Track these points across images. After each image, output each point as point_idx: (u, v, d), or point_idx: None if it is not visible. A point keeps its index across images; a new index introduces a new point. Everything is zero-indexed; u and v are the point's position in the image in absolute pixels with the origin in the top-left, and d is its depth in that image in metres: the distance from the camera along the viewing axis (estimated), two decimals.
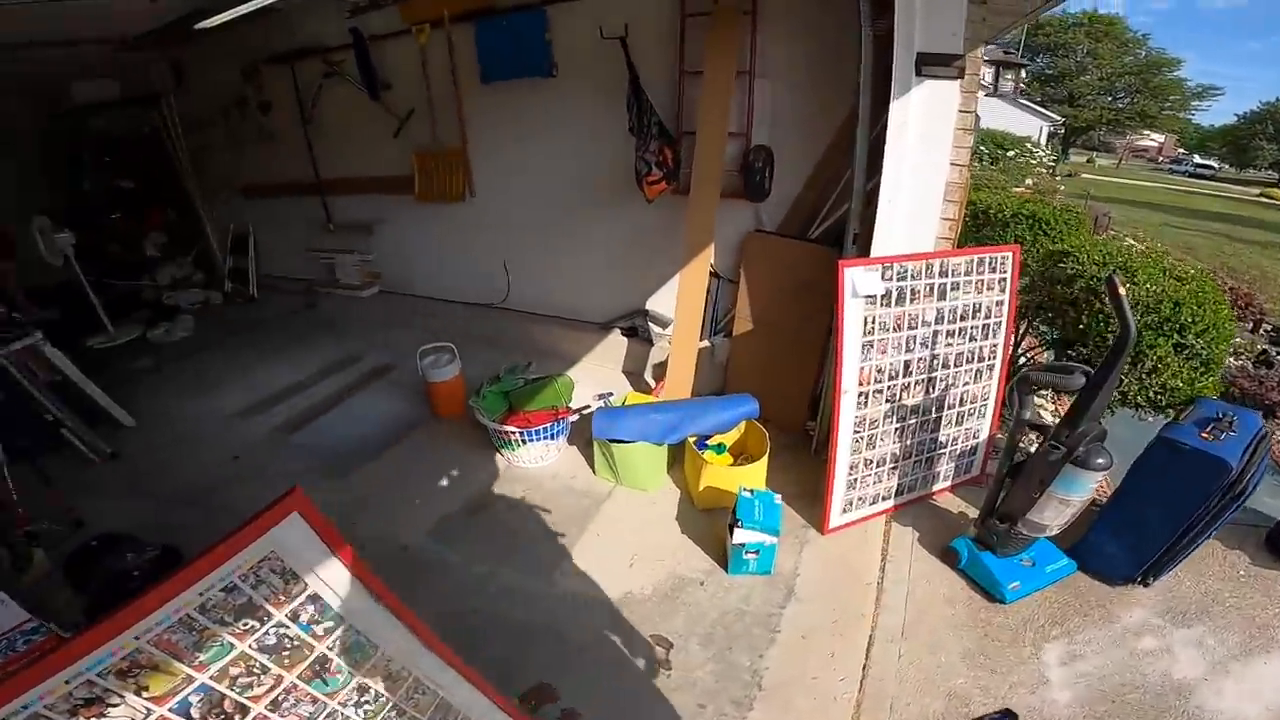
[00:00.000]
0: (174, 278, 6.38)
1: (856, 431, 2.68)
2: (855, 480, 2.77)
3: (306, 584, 1.31)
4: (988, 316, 2.82)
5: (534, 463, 3.33)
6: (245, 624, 1.20)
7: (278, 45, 4.74)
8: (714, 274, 3.61)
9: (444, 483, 3.25)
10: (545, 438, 3.25)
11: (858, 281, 2.45)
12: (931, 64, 2.47)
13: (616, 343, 4.22)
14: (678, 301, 3.50)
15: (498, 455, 3.38)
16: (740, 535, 2.52)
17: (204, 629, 1.13)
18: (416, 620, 1.53)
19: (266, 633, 1.26)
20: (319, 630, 1.36)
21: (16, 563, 2.53)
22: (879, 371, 2.64)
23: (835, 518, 2.80)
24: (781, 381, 3.48)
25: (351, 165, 5.00)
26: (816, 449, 3.28)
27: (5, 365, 3.36)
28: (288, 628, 1.30)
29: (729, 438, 3.29)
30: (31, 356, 3.60)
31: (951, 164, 2.66)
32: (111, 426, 3.85)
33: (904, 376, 2.70)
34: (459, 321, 4.82)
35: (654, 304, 4.09)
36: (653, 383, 4.08)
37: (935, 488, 3.03)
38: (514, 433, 3.16)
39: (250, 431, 3.81)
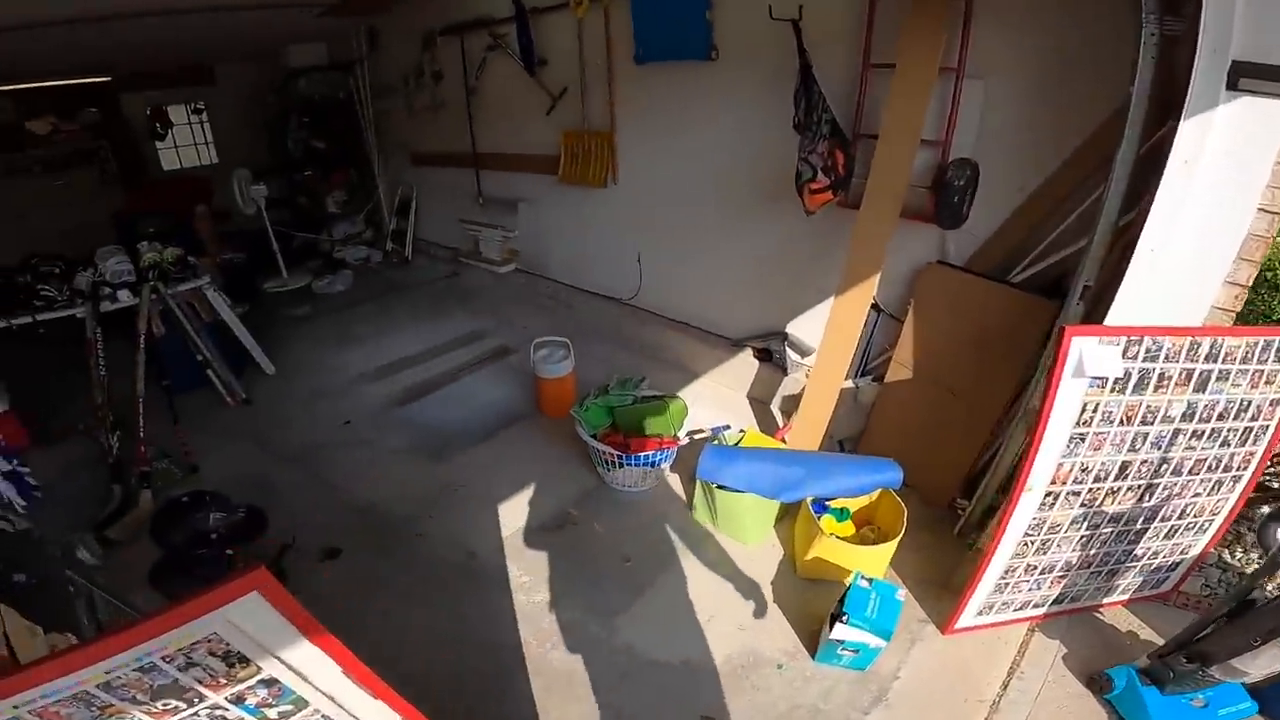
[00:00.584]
0: (346, 234, 6.86)
1: (1029, 535, 2.01)
2: (1007, 584, 2.11)
3: (260, 667, 1.04)
4: (1254, 418, 2.00)
5: (628, 487, 2.97)
6: (166, 704, 0.97)
7: (454, 16, 4.74)
8: (875, 306, 2.97)
9: (529, 490, 2.99)
10: (644, 465, 2.88)
11: (1088, 357, 1.75)
12: (1256, 76, 1.69)
13: (746, 364, 3.71)
14: (826, 331, 2.92)
15: (592, 471, 3.07)
16: (842, 631, 2.00)
17: (106, 705, 0.92)
18: (408, 706, 1.24)
19: (196, 714, 1.01)
20: (272, 715, 1.10)
21: (126, 502, 2.65)
22: (1083, 470, 1.94)
23: (966, 618, 2.18)
24: (935, 446, 2.79)
25: (504, 140, 4.91)
26: (962, 531, 2.61)
27: (172, 305, 3.63)
28: (226, 710, 1.04)
29: (856, 502, 2.71)
30: (197, 298, 3.88)
31: (1261, 210, 1.83)
32: (255, 372, 4.09)
33: (1116, 480, 1.98)
34: (585, 311, 4.59)
35: (796, 328, 3.52)
36: (780, 417, 3.54)
37: (1107, 600, 2.29)
38: (611, 454, 2.82)
39: (368, 397, 3.85)
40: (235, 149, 7.54)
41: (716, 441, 2.97)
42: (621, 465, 2.86)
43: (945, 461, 2.79)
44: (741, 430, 3.06)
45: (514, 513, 2.85)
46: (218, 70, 7.20)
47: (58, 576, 1.38)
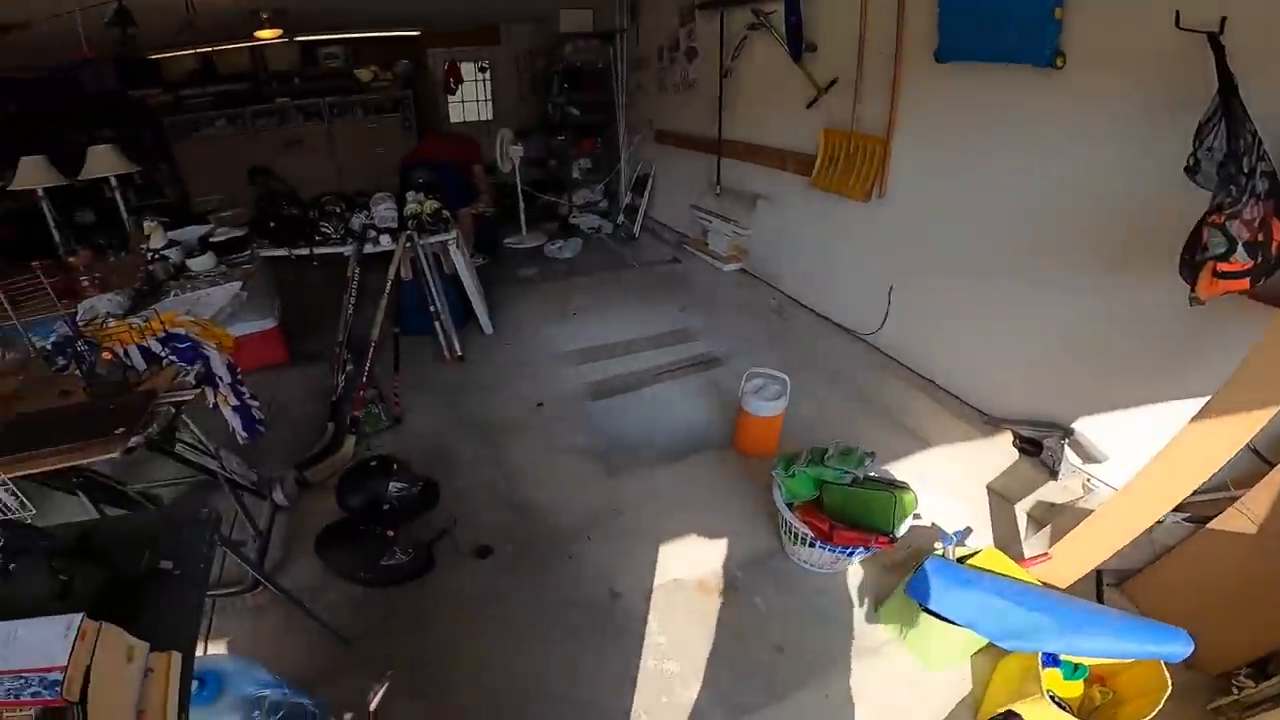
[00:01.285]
0: (585, 201, 7.03)
1: None
2: None
3: None
4: None
5: (811, 565, 2.48)
6: None
7: None
8: None
9: (698, 537, 2.63)
10: (842, 554, 2.35)
11: None
12: None
13: (1000, 451, 2.91)
14: (1164, 455, 2.04)
15: (774, 533, 2.62)
16: None
17: None
18: None
19: None
20: None
21: (333, 441, 2.82)
22: None
23: None
24: (1242, 605, 1.98)
25: (753, 130, 4.47)
26: (1222, 710, 1.86)
27: (420, 254, 3.87)
28: None
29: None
30: (443, 251, 4.12)
31: None
32: (474, 329, 4.27)
33: None
34: (809, 335, 4.03)
35: (1089, 428, 2.63)
36: (1023, 522, 2.74)
37: None
38: (804, 534, 2.34)
39: (565, 380, 3.79)
40: (506, 108, 8.13)
41: (941, 553, 2.32)
42: (812, 545, 2.37)
43: (1246, 623, 1.97)
44: (975, 550, 2.35)
45: (673, 558, 2.52)
46: (502, 30, 7.75)
47: (204, 557, 1.33)
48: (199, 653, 1.97)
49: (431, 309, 3.91)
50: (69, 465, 1.62)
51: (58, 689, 0.87)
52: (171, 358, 2.06)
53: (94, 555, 1.21)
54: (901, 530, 2.40)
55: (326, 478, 2.77)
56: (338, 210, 3.86)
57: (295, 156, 7.56)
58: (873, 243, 3.55)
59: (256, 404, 2.38)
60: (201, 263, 3.22)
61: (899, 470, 2.85)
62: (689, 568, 2.48)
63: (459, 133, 7.50)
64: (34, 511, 1.36)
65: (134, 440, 1.62)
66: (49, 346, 2.01)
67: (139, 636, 1.04)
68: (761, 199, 4.54)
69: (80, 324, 2.11)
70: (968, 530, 2.47)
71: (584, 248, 6.01)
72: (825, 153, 3.68)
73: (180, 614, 1.21)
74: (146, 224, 3.50)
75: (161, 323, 2.10)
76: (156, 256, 3.26)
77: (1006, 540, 2.66)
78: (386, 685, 1.85)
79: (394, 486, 2.49)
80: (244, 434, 2.35)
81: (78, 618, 0.94)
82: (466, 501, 2.75)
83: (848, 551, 2.33)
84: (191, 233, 3.67)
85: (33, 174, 3.56)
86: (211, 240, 3.51)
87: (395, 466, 2.55)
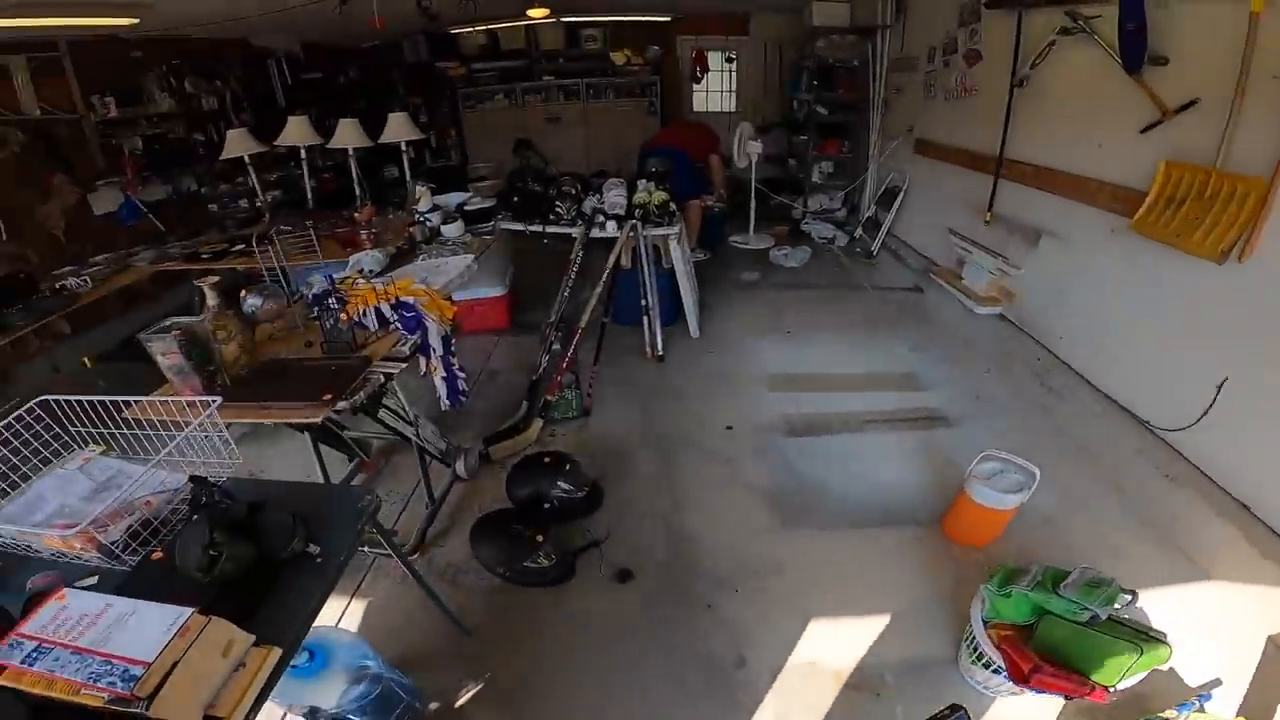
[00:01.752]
0: (821, 207, 6.52)
1: None
2: None
3: None
4: None
5: (986, 689, 1.92)
6: None
7: None
8: None
9: (853, 618, 2.20)
10: (1036, 693, 1.76)
11: None
12: None
13: None
14: None
15: (954, 643, 2.07)
16: None
17: None
18: None
19: None
20: None
21: (523, 420, 2.85)
22: None
23: None
24: None
25: (1051, 151, 3.61)
26: None
27: (642, 245, 3.80)
28: None
29: None
30: (664, 244, 4.01)
31: None
32: (680, 330, 4.12)
33: None
34: (1083, 417, 3.20)
35: None
36: None
37: None
38: (998, 667, 1.78)
39: (761, 405, 3.46)
40: (749, 100, 7.87)
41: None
42: (997, 672, 1.80)
43: None
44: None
45: (819, 637, 2.13)
46: (752, 20, 7.48)
47: (349, 547, 1.35)
48: (340, 611, 2.10)
49: (643, 302, 3.83)
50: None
51: (133, 684, 0.87)
52: (396, 324, 2.17)
53: (252, 530, 1.25)
54: (1127, 685, 1.73)
55: (507, 456, 2.82)
56: (573, 191, 3.93)
57: (554, 132, 8.15)
58: (1215, 317, 2.64)
59: (463, 375, 2.46)
60: (452, 230, 3.47)
61: (1160, 603, 2.12)
62: (832, 653, 2.08)
63: (700, 122, 7.43)
64: (240, 460, 1.44)
65: (339, 406, 1.69)
66: (309, 298, 2.22)
67: (255, 624, 1.06)
68: (1047, 235, 3.70)
69: (339, 280, 2.31)
70: (1215, 683, 1.72)
71: (812, 258, 5.54)
72: (1162, 191, 2.81)
73: (301, 605, 1.19)
74: (418, 187, 3.89)
75: (398, 289, 2.22)
76: (420, 218, 3.60)
77: (1264, 710, 1.83)
78: (480, 686, 1.81)
79: (561, 487, 2.44)
80: (447, 401, 2.45)
81: (186, 614, 0.98)
82: (625, 515, 2.62)
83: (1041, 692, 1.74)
84: (452, 199, 4.01)
85: (346, 134, 4.16)
86: (465, 208, 3.79)
87: (567, 466, 2.50)
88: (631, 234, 3.72)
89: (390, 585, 2.30)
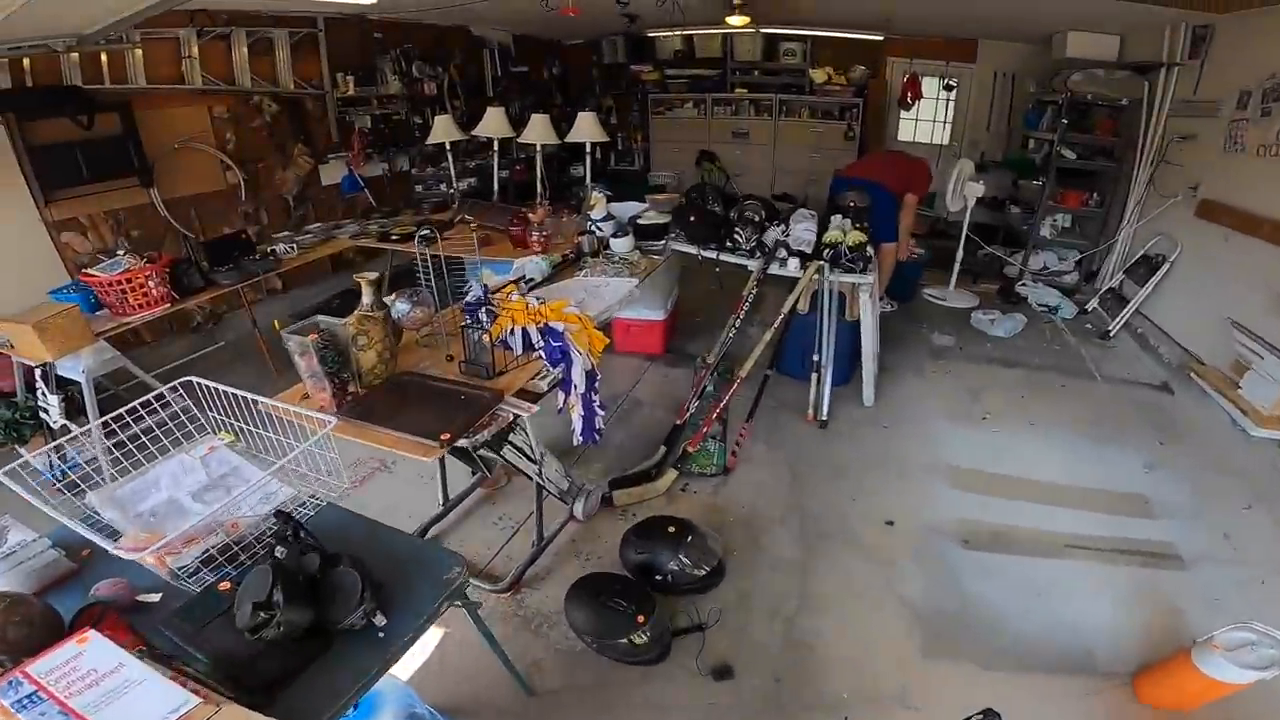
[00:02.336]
0: (1045, 267, 5.50)
1: None
2: None
3: None
4: None
5: None
6: None
7: None
8: None
9: None
10: None
11: None
12: None
13: None
14: None
15: None
16: None
17: None
18: None
19: None
20: None
21: (655, 467, 2.55)
22: None
23: None
24: None
25: None
26: None
27: (825, 291, 3.31)
28: None
29: None
30: (852, 293, 3.47)
31: None
32: (852, 393, 3.57)
33: None
34: None
35: None
36: None
37: None
38: None
39: (936, 502, 2.85)
40: (967, 135, 6.92)
41: None
42: None
43: None
44: None
45: None
46: (980, 47, 6.53)
47: (417, 627, 1.22)
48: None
49: (815, 357, 3.35)
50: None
51: None
52: (541, 353, 1.94)
53: (317, 589, 1.14)
54: None
55: (631, 504, 2.53)
56: (756, 218, 3.54)
57: (739, 148, 7.80)
58: None
59: (602, 414, 2.20)
60: (621, 245, 3.25)
61: None
62: None
63: (907, 154, 6.67)
64: (346, 485, 1.39)
65: (451, 446, 1.51)
66: (464, 304, 2.07)
67: (288, 698, 0.98)
68: None
69: (494, 289, 2.14)
70: None
71: (1026, 328, 4.62)
72: None
73: (347, 684, 1.05)
74: (594, 193, 3.73)
75: (550, 310, 2.00)
76: (591, 226, 3.42)
77: None
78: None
79: (680, 561, 2.14)
80: (580, 437, 2.21)
81: (190, 704, 0.89)
82: (742, 601, 2.26)
83: None
84: (627, 209, 3.80)
85: (535, 130, 4.14)
86: (638, 222, 3.56)
87: (690, 539, 2.17)
88: (816, 276, 3.25)
89: (460, 619, 2.10)
